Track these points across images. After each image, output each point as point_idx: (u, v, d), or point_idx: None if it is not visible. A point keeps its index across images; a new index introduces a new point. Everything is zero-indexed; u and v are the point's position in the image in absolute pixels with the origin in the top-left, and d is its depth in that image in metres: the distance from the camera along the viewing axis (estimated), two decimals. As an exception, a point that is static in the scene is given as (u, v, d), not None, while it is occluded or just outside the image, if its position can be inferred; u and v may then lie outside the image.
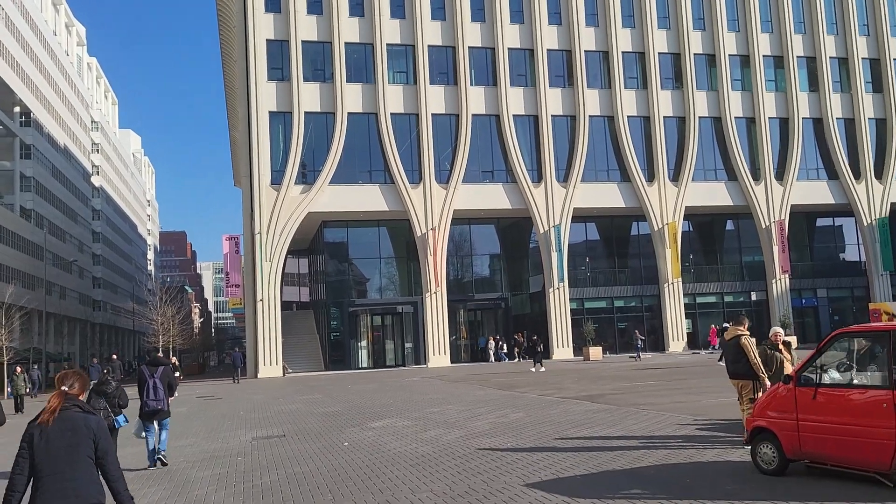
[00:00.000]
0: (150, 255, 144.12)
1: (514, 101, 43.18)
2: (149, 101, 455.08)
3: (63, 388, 4.54)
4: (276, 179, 39.80)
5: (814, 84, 47.80)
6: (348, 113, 40.98)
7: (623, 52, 44.95)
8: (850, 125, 48.09)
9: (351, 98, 41.19)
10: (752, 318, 41.30)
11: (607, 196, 44.01)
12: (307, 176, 40.48)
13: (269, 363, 38.59)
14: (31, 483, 4.28)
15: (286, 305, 49.56)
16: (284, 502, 7.72)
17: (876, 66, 48.88)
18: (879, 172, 47.87)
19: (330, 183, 40.22)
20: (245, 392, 27.25)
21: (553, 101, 43.73)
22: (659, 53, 45.44)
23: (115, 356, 39.83)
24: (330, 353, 43.91)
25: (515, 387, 22.01)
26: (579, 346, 42.09)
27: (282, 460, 10.57)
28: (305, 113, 40.48)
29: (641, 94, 45.16)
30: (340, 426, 14.32)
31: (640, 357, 36.92)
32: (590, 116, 44.01)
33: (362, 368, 41.83)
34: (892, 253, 46.62)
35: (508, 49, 43.42)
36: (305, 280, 56.34)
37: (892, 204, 47.56)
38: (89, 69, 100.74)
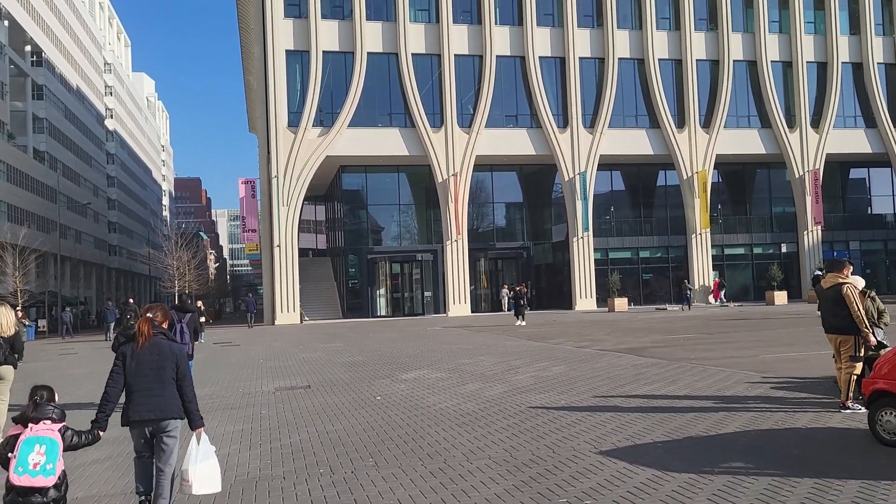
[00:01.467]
0: (166, 200, 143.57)
1: (540, 41, 41.33)
2: (162, 43, 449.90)
3: (149, 315, 5.33)
4: (294, 122, 38.48)
5: (855, 27, 45.52)
6: (368, 53, 39.36)
7: (656, -9, 42.77)
8: (891, 70, 45.92)
9: (371, 37, 39.52)
10: (783, 270, 40.26)
11: (635, 143, 42.40)
12: (325, 118, 39.10)
13: (287, 310, 37.85)
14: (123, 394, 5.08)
15: (303, 252, 48.69)
16: (320, 467, 6.74)
17: (921, 9, 46.41)
18: (920, 121, 45.85)
19: (349, 126, 38.84)
20: (263, 339, 26.48)
21: (581, 43, 41.84)
22: (693, -8, 43.22)
23: (131, 300, 39.28)
24: (348, 300, 43.15)
25: (546, 337, 21.03)
26: (603, 297, 41.11)
27: (310, 415, 9.62)
28: (324, 52, 38.90)
29: (674, 35, 43.15)
30: (368, 377, 13.38)
31: (689, 307, 36.54)
32: (619, 59, 42.14)
33: (381, 317, 41.06)
34: (929, 205, 44.97)
35: (536, -14, 41.35)
36: (322, 227, 55.41)
37: (931, 154, 45.65)
38: (101, 9, 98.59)
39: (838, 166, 46.15)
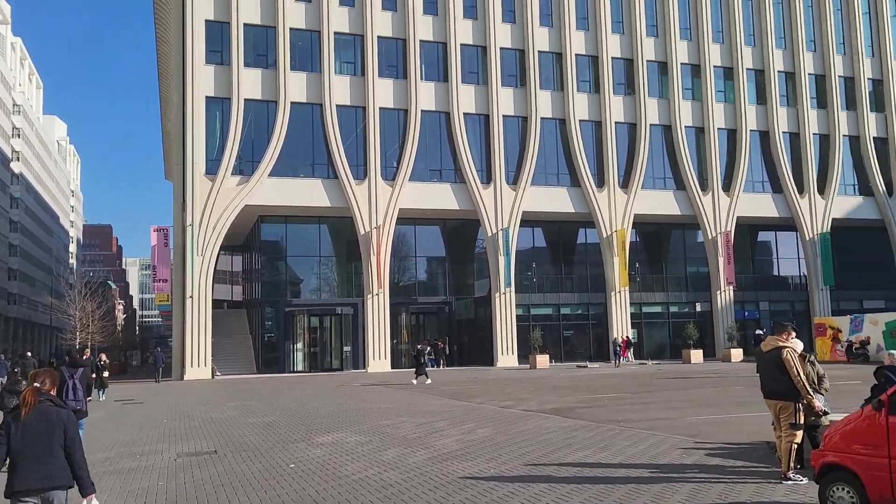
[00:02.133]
0: (73, 247, 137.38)
1: (465, 98, 41.74)
2: (78, 87, 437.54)
3: (35, 384, 5.14)
4: (212, 169, 37.33)
5: (761, 97, 47.90)
6: (291, 102, 38.80)
7: (577, 55, 44.03)
8: (794, 139, 48.35)
9: (295, 86, 39.04)
10: (698, 329, 41.08)
11: (557, 200, 42.96)
12: (245, 167, 38.10)
13: (198, 364, 36.03)
14: (7, 465, 4.88)
15: (217, 304, 46.90)
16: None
17: (821, 83, 49.32)
18: (822, 188, 48.24)
19: (269, 175, 37.94)
20: (170, 395, 24.88)
21: (505, 101, 42.47)
22: (612, 58, 44.71)
23: (29, 353, 36.74)
24: (263, 355, 41.56)
25: (469, 396, 20.42)
26: (524, 354, 40.91)
27: (215, 488, 8.68)
28: (245, 100, 38.13)
29: (594, 98, 44.34)
30: (282, 441, 12.44)
31: (618, 364, 37.35)
32: (541, 118, 42.91)
33: (297, 372, 39.63)
34: (832, 268, 46.97)
35: (461, 45, 41.96)
36: (239, 278, 53.70)
37: (832, 220, 47.94)
38: (13, 49, 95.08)
39: (748, 229, 47.88)
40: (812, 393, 7.86)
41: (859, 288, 49.01)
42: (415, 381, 27.35)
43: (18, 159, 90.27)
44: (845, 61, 49.87)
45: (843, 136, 48.94)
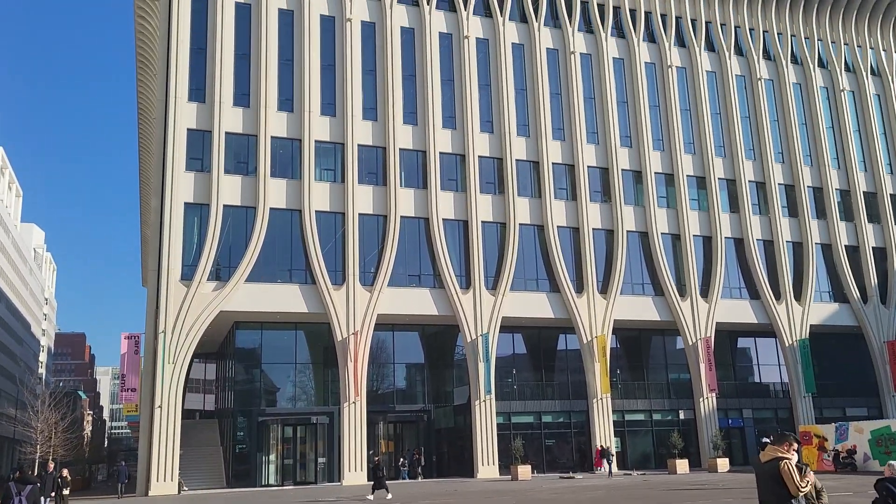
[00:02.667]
0: (43, 356, 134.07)
1: (444, 205, 42.16)
2: (58, 195, 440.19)
3: None
4: (187, 275, 36.91)
5: (734, 205, 48.88)
6: (270, 208, 38.94)
7: (553, 164, 44.98)
8: (769, 246, 49.05)
9: (274, 193, 39.27)
10: (682, 438, 40.16)
11: (536, 306, 42.76)
12: (222, 273, 37.74)
13: (163, 479, 34.33)
14: None
15: (189, 414, 45.48)
16: None
17: (791, 192, 50.58)
18: (798, 294, 48.59)
19: (246, 281, 37.55)
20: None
21: (483, 208, 42.93)
22: (588, 167, 45.69)
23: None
24: (234, 466, 39.87)
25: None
26: (505, 464, 39.57)
27: None
28: (224, 206, 38.21)
29: (571, 205, 44.99)
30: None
31: (612, 475, 36.57)
32: (520, 224, 43.30)
33: (269, 485, 37.91)
34: (813, 375, 46.66)
35: (440, 153, 42.76)
36: (212, 387, 52.26)
37: (811, 326, 48.04)
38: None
39: (727, 335, 47.76)
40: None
41: (841, 395, 48.62)
42: (371, 497, 25.85)
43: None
44: (813, 172, 51.37)
45: (816, 243, 49.78)
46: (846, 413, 47.54)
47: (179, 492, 34.54)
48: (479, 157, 43.61)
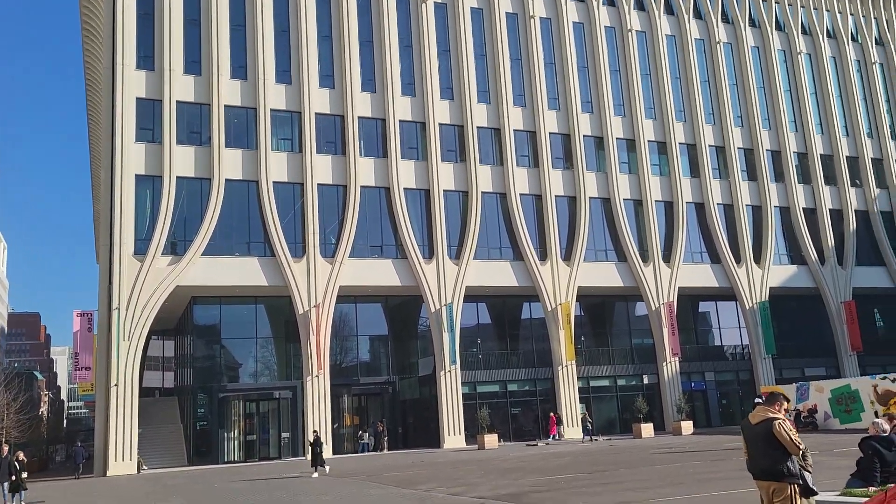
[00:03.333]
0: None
1: (404, 173, 41.37)
2: (4, 172, 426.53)
3: None
4: (141, 249, 35.67)
5: (695, 170, 48.95)
6: (226, 179, 37.74)
7: (515, 130, 44.40)
8: (729, 210, 49.31)
9: (230, 164, 38.06)
10: (646, 403, 40.44)
11: (500, 274, 42.41)
12: (177, 247, 36.58)
13: (122, 458, 33.44)
14: None
15: (147, 392, 44.50)
16: None
17: (750, 156, 50.81)
18: (758, 257, 49.04)
19: (203, 254, 36.45)
20: (86, 496, 22.66)
21: (445, 176, 42.24)
22: (549, 133, 45.21)
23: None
24: (195, 444, 39.06)
25: (414, 483, 19.01)
26: (472, 434, 39.47)
27: None
28: (178, 178, 36.92)
29: (533, 172, 44.52)
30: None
31: (592, 440, 36.74)
32: (482, 192, 42.74)
33: (231, 462, 37.27)
34: (773, 336, 47.29)
35: (399, 121, 41.85)
36: (171, 364, 51.17)
37: (770, 289, 48.58)
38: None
39: (689, 300, 48.05)
40: (811, 467, 6.96)
41: (800, 356, 49.43)
42: (316, 474, 24.83)
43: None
44: (771, 135, 51.64)
45: (775, 206, 50.18)
46: (805, 373, 48.46)
47: (139, 471, 33.72)
48: (440, 124, 42.80)
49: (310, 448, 26.14)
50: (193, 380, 39.77)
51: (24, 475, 20.95)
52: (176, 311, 41.66)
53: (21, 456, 21.16)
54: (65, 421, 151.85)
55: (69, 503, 20.53)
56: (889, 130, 55.64)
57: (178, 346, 48.43)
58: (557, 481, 17.04)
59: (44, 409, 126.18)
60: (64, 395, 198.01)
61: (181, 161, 37.16)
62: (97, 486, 26.64)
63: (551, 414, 40.45)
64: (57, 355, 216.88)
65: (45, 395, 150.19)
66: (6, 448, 20.96)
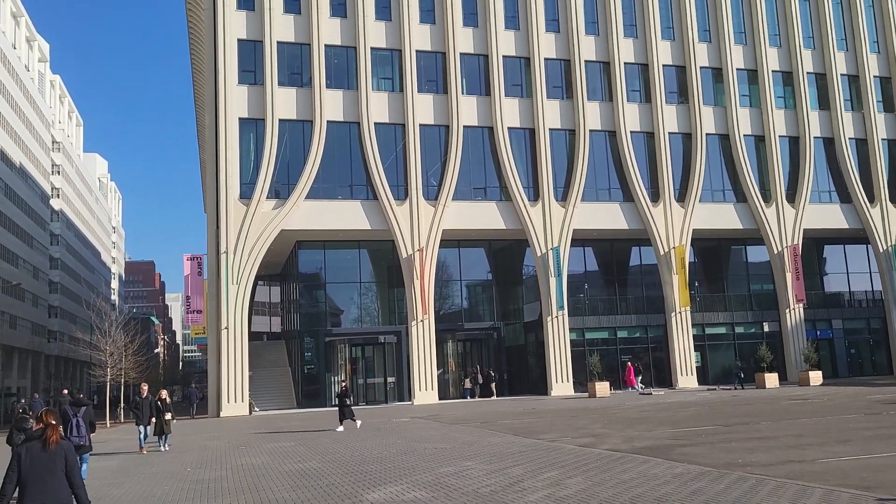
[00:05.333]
0: (115, 284, 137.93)
1: (508, 112, 39.57)
2: (118, 124, 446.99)
3: (52, 422, 6.08)
4: (246, 193, 35.61)
5: (824, 102, 44.88)
6: (328, 121, 37.05)
7: (625, 63, 41.65)
8: (862, 146, 45.15)
9: (331, 105, 37.29)
10: (770, 352, 37.92)
11: (609, 217, 40.34)
12: (281, 190, 36.33)
13: (234, 399, 33.97)
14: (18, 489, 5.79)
15: (256, 336, 45.18)
16: None
17: (887, 85, 46.18)
18: (894, 196, 44.86)
19: (306, 198, 36.10)
20: (201, 436, 22.76)
21: (551, 114, 40.18)
22: (663, 65, 42.20)
23: (65, 391, 35.25)
24: (303, 387, 39.44)
25: (535, 431, 17.88)
26: (580, 381, 38.19)
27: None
28: (280, 120, 36.48)
29: (645, 108, 41.81)
30: (323, 498, 10.09)
31: (741, 387, 36.00)
32: (590, 131, 40.49)
33: (339, 406, 37.30)
34: (910, 281, 43.41)
35: (503, 56, 39.89)
36: (277, 309, 51.93)
37: (907, 230, 44.47)
38: (52, 87, 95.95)
39: (813, 243, 44.64)
40: None
41: (940, 302, 45.27)
42: (341, 428, 21.83)
43: (59, 196, 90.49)
44: (912, 61, 46.67)
45: (914, 139, 45.58)
46: (946, 321, 44.43)
47: (251, 412, 34.20)
48: (545, 59, 40.60)
49: (337, 400, 23.19)
50: (300, 324, 39.93)
51: (168, 417, 18.84)
52: (281, 256, 41.81)
53: (164, 395, 19.20)
54: (180, 363, 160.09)
55: (187, 443, 20.45)
56: None
57: (283, 290, 48.94)
58: (697, 434, 15.47)
59: (160, 351, 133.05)
60: (179, 339, 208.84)
61: (283, 103, 36.65)
62: (212, 426, 26.91)
63: (629, 364, 38.00)
64: (171, 301, 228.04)
65: (162, 338, 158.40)
66: (146, 388, 19.47)
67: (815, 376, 36.22)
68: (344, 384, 24.29)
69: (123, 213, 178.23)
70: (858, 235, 44.67)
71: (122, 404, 42.65)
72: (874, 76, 45.84)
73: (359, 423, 22.29)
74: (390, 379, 38.44)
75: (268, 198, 35.66)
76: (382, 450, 15.66)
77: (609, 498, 8.79)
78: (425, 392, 36.39)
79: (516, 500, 8.95)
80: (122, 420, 39.25)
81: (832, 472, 9.68)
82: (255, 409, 35.27)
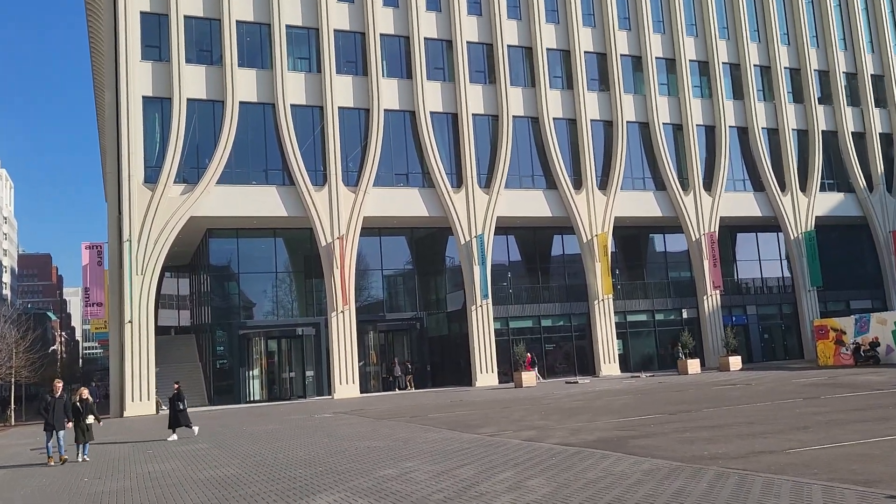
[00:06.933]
0: (7, 278, 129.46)
1: (431, 96, 38.39)
2: (8, 105, 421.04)
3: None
4: (151, 177, 33.15)
5: (738, 92, 45.67)
6: (240, 102, 34.92)
7: (547, 49, 41.15)
8: (773, 135, 46.21)
9: (243, 85, 35.18)
10: (692, 338, 38.26)
11: (533, 204, 39.77)
12: (190, 175, 34.02)
13: (139, 398, 31.63)
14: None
15: (163, 330, 42.61)
16: None
17: (797, 76, 47.42)
18: (804, 185, 46.14)
19: (217, 183, 33.92)
20: (103, 438, 20.67)
21: (474, 99, 39.23)
22: (584, 52, 41.92)
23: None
24: (215, 383, 37.28)
25: (470, 426, 16.83)
26: (504, 371, 37.56)
27: None
28: (188, 100, 34.12)
29: (567, 94, 41.41)
30: (249, 510, 8.70)
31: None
32: (513, 117, 39.77)
33: (254, 402, 35.48)
34: (819, 268, 44.74)
35: (425, 38, 38.67)
36: (187, 302, 49.23)
37: (816, 218, 45.82)
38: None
39: (728, 230, 45.43)
40: None
41: (845, 288, 46.97)
42: (174, 437, 19.29)
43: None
44: (819, 55, 48.12)
45: (822, 130, 47.00)
46: (850, 306, 46.10)
47: (158, 411, 31.93)
48: (468, 42, 39.61)
49: (168, 404, 20.12)
50: (211, 317, 37.73)
51: (91, 420, 16.47)
52: (191, 245, 39.45)
53: (85, 394, 16.70)
54: (80, 361, 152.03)
55: (93, 446, 18.40)
56: (943, 49, 51.78)
57: (193, 282, 46.38)
58: (643, 424, 14.76)
59: (57, 348, 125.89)
60: (78, 335, 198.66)
61: (191, 82, 34.33)
62: (116, 428, 24.70)
63: (528, 354, 36.29)
64: (71, 296, 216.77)
65: (60, 335, 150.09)
66: (59, 385, 16.37)
67: (735, 361, 36.74)
68: (177, 385, 20.82)
69: (16, 202, 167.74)
70: (769, 223, 45.73)
71: (13, 405, 39.37)
72: (784, 67, 46.94)
73: (196, 429, 19.91)
74: (309, 373, 36.76)
75: (175, 182, 33.32)
76: (309, 450, 14.27)
77: (583, 502, 7.75)
78: (346, 386, 34.93)
79: (477, 509, 7.81)
80: (13, 423, 36.14)
81: (814, 464, 9.00)
82: (163, 407, 32.97)
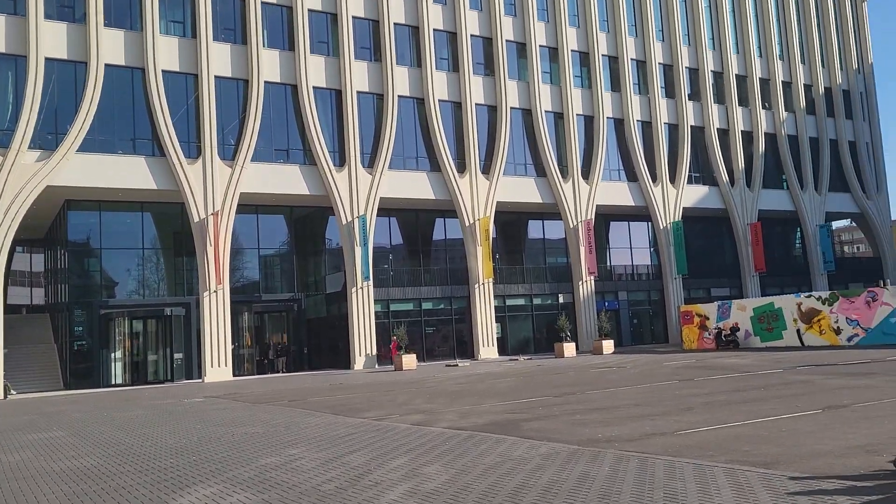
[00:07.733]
0: None
1: (314, 70, 37.13)
2: None
3: None
4: (3, 142, 30.26)
5: (616, 84, 47.05)
6: (106, 65, 32.41)
7: (434, 30, 40.73)
8: (647, 128, 47.97)
9: (110, 47, 32.65)
10: (569, 322, 39.21)
11: (416, 186, 39.39)
12: (47, 141, 31.27)
13: (-15, 383, 28.89)
14: None
15: (14, 309, 39.22)
16: None
17: (669, 72, 49.38)
18: (673, 177, 48.22)
19: (78, 151, 31.39)
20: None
21: (358, 76, 38.29)
22: (470, 35, 41.85)
23: None
24: (72, 366, 34.64)
25: (354, 409, 16.25)
26: (384, 354, 37.11)
27: None
28: (46, 59, 31.29)
29: (453, 77, 41.21)
30: (114, 507, 7.78)
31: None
32: (399, 97, 39.14)
33: (117, 385, 33.30)
34: (685, 257, 46.97)
35: (308, 10, 37.31)
36: (41, 279, 45.56)
37: (683, 209, 48.03)
38: None
39: (602, 219, 46.86)
40: None
41: (706, 276, 49.59)
42: None
43: None
44: (690, 53, 50.32)
45: (690, 125, 49.25)
46: (711, 293, 48.73)
47: (6, 396, 29.30)
48: (354, 17, 38.59)
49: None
50: (69, 295, 35.02)
51: None
52: (47, 218, 36.49)
53: None
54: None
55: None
56: (798, 55, 55.47)
57: (49, 258, 42.95)
58: (532, 407, 14.67)
59: None
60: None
61: (50, 40, 31.50)
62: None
63: (393, 338, 35.64)
64: None
65: None
66: None
67: (608, 345, 37.96)
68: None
69: None
70: (641, 213, 47.52)
71: None
72: (659, 63, 48.77)
73: None
74: (178, 355, 34.87)
75: (30, 148, 30.52)
76: (180, 438, 13.24)
77: (487, 490, 7.39)
78: (218, 369, 33.37)
79: (374, 501, 7.27)
80: None
81: (707, 446, 9.06)
82: (12, 391, 30.33)
